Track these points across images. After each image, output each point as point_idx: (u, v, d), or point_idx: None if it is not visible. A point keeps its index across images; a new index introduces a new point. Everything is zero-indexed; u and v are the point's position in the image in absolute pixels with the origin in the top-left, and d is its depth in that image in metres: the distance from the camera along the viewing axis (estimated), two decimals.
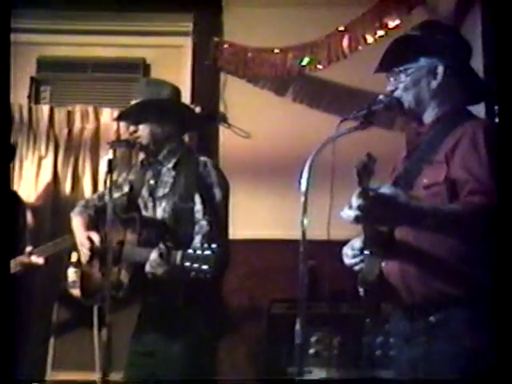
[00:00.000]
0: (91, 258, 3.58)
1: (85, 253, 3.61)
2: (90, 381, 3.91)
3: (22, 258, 3.91)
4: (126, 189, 3.81)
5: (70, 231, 3.82)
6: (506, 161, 2.29)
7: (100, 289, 3.53)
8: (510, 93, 2.27)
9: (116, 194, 3.79)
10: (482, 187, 2.49)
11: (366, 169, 2.32)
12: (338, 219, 3.81)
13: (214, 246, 3.15)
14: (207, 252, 3.13)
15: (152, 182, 3.69)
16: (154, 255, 3.28)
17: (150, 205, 3.66)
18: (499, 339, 2.19)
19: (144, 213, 3.65)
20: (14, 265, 3.93)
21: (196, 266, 3.13)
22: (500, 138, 2.24)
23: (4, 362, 2.82)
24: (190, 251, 3.17)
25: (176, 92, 3.78)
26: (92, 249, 3.57)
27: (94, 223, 3.73)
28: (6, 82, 3.32)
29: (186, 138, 4.86)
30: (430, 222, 2.48)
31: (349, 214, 2.41)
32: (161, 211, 3.61)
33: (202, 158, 3.73)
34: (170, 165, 3.70)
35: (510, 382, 2.12)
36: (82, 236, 3.67)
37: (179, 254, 3.19)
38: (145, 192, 3.71)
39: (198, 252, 3.14)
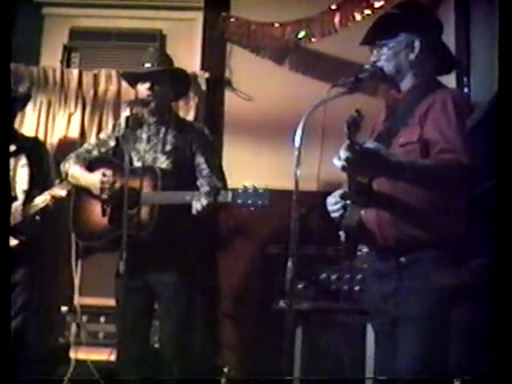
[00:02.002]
0: (109, 195, 3.56)
1: (103, 188, 3.58)
2: (110, 306, 3.92)
3: (50, 191, 3.89)
4: (111, 144, 3.80)
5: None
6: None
7: (102, 231, 3.57)
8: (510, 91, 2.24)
9: (103, 149, 3.79)
10: (451, 146, 2.50)
11: (355, 123, 2.32)
12: (327, 173, 3.83)
13: (261, 187, 3.23)
14: (260, 191, 3.21)
15: (153, 138, 3.69)
16: (203, 195, 3.29)
17: (150, 158, 3.65)
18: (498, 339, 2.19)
19: (140, 164, 3.64)
20: (43, 199, 3.92)
21: (250, 201, 3.20)
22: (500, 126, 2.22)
23: (4, 362, 2.77)
24: (240, 191, 3.23)
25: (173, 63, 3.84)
26: (109, 182, 3.55)
27: (91, 170, 3.70)
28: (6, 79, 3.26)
29: (194, 100, 4.91)
30: (407, 174, 2.50)
31: (337, 163, 2.41)
32: (165, 163, 3.61)
33: (197, 124, 3.80)
34: (171, 125, 3.71)
35: (509, 382, 2.11)
36: (91, 177, 3.63)
37: (230, 193, 3.23)
38: (141, 146, 3.69)
39: (250, 191, 3.21)
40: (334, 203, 2.76)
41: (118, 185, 3.53)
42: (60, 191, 3.85)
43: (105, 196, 3.56)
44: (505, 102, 2.20)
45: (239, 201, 3.23)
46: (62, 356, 4.24)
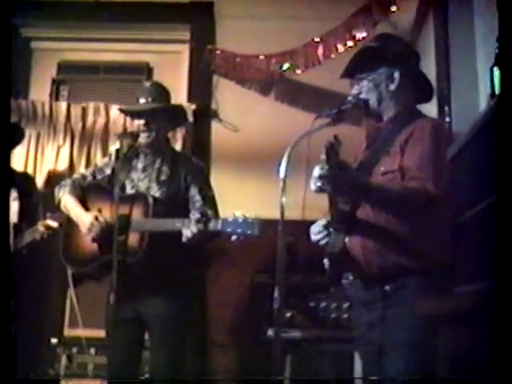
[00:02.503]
0: (97, 236, 3.55)
1: (91, 230, 3.55)
2: (100, 337, 3.90)
3: (42, 222, 3.88)
4: (107, 172, 3.81)
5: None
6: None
7: (91, 256, 3.55)
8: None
9: (99, 176, 3.80)
10: (420, 174, 2.54)
11: (333, 148, 2.36)
12: (312, 202, 3.83)
13: (251, 216, 3.23)
14: (249, 220, 3.21)
15: (148, 168, 3.69)
16: (193, 222, 3.29)
17: (143, 186, 3.66)
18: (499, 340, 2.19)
19: (133, 192, 3.65)
20: (32, 232, 3.91)
21: (239, 231, 3.20)
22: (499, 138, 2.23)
23: (4, 362, 2.76)
24: (230, 219, 3.23)
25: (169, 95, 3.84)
26: (98, 227, 3.54)
27: (83, 201, 3.68)
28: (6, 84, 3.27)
29: (181, 131, 4.93)
30: (375, 196, 2.53)
31: (312, 186, 2.44)
32: (158, 193, 3.61)
33: (193, 158, 3.84)
34: (167, 157, 3.72)
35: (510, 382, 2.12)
36: (83, 217, 3.60)
37: (220, 222, 3.24)
38: (136, 175, 3.70)
39: (240, 220, 3.21)
40: (317, 232, 2.78)
41: (108, 225, 3.51)
42: (52, 223, 3.84)
43: (91, 236, 3.55)
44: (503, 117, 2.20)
45: (229, 229, 3.23)
46: None
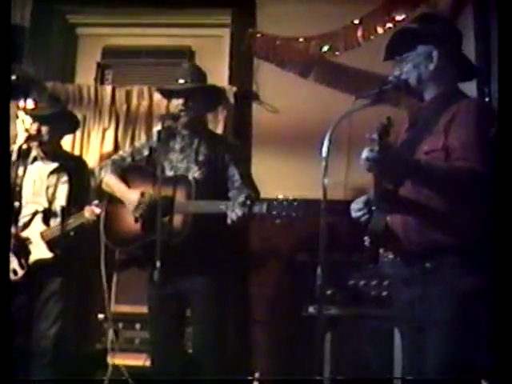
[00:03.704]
0: (144, 212, 3.58)
1: (138, 207, 3.59)
2: (145, 313, 3.94)
3: (87, 208, 3.92)
4: (145, 153, 3.82)
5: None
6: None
7: (134, 236, 3.58)
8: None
9: (137, 157, 3.82)
10: (467, 154, 2.51)
11: (385, 130, 2.34)
12: (354, 181, 3.83)
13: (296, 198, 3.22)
14: (295, 203, 3.20)
15: (186, 149, 3.71)
16: (238, 205, 3.29)
17: (182, 167, 3.67)
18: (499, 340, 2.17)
19: (172, 174, 3.66)
20: (79, 216, 3.96)
21: (284, 213, 3.20)
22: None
23: (4, 362, 2.75)
24: (275, 202, 3.22)
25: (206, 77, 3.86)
26: (146, 203, 3.57)
27: (125, 181, 3.73)
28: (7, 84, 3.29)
29: (223, 113, 4.94)
30: (424, 174, 2.50)
31: (364, 163, 2.43)
32: (197, 173, 3.62)
33: (230, 138, 3.83)
34: (205, 138, 3.73)
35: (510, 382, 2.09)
36: (129, 194, 3.65)
37: (265, 205, 3.24)
38: (174, 156, 3.71)
39: (285, 203, 3.20)
40: (357, 209, 2.76)
41: (154, 201, 3.53)
42: (97, 209, 3.88)
43: (136, 214, 3.58)
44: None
45: (274, 212, 3.23)
46: (99, 361, 4.27)
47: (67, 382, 4.05)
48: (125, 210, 3.64)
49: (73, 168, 4.17)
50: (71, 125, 4.38)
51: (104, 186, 3.80)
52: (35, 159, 4.16)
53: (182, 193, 3.50)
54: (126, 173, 3.75)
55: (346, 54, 4.92)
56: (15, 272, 3.99)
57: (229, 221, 3.33)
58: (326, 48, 4.97)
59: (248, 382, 4.26)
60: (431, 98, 2.77)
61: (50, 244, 3.99)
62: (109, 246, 3.74)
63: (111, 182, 3.75)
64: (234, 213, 3.30)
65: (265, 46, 5.16)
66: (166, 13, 5.39)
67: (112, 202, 3.74)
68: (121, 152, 3.95)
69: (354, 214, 2.77)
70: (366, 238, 2.68)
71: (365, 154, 2.42)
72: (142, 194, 3.58)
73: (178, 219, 3.46)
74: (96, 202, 3.92)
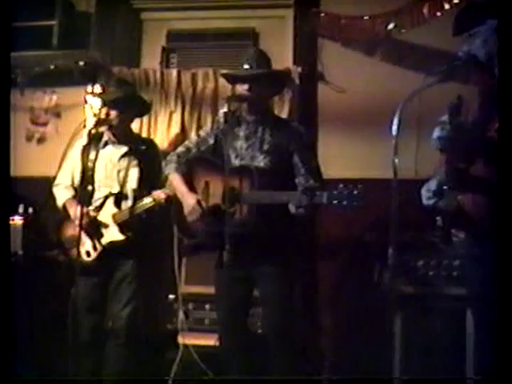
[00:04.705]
0: (197, 219, 3.62)
1: (192, 214, 3.62)
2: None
3: (158, 192, 3.98)
4: (210, 141, 3.84)
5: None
6: None
7: (202, 227, 3.62)
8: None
9: (202, 147, 3.84)
10: None
11: (457, 108, 2.31)
12: (424, 160, 3.75)
13: (356, 187, 3.17)
14: (355, 192, 3.16)
15: (251, 136, 3.71)
16: (299, 196, 3.30)
17: (248, 156, 3.68)
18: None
19: (238, 162, 3.68)
20: (151, 199, 4.02)
21: (345, 203, 3.18)
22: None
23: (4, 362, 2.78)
24: (335, 192, 3.20)
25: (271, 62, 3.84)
26: (199, 212, 3.61)
27: (189, 177, 3.75)
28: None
29: (288, 94, 4.93)
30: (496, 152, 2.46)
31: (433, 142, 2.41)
32: (263, 162, 3.63)
33: (295, 123, 3.84)
34: (269, 124, 3.72)
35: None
36: (190, 199, 3.66)
37: (325, 195, 3.23)
38: (239, 144, 3.73)
39: (345, 192, 3.17)
40: (427, 198, 2.74)
41: (207, 211, 3.57)
42: (166, 192, 3.94)
43: (190, 219, 3.62)
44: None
45: (334, 202, 3.21)
46: (170, 341, 4.35)
47: (68, 381, 4.13)
48: None
49: (143, 151, 4.22)
50: (141, 108, 4.41)
51: (168, 184, 3.87)
52: (106, 143, 4.24)
53: (246, 183, 3.52)
54: (191, 166, 3.79)
55: (412, 31, 4.84)
56: (88, 253, 4.09)
57: (291, 211, 3.36)
58: (391, 26, 4.89)
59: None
60: None
61: (122, 226, 4.08)
62: (180, 236, 3.81)
63: (174, 181, 3.79)
64: (295, 203, 3.32)
65: (329, 25, 5.12)
66: None
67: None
68: (186, 142, 3.96)
69: (427, 194, 2.75)
70: (437, 217, 2.66)
71: (436, 133, 2.40)
72: (199, 202, 3.61)
73: (244, 210, 3.49)
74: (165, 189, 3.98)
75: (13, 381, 3.02)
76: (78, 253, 3.76)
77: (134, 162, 4.18)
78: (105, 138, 4.22)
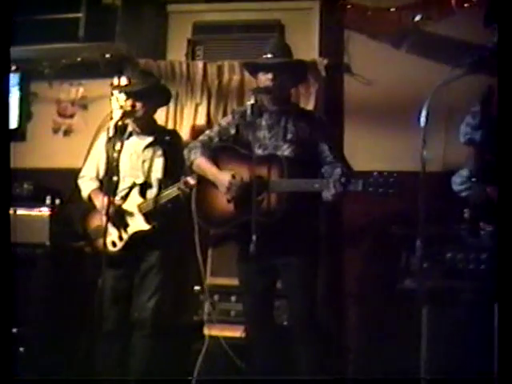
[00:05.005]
0: (236, 194, 3.61)
1: (230, 189, 3.62)
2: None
3: (182, 180, 3.98)
4: (232, 131, 3.84)
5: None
6: None
7: (228, 217, 3.63)
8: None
9: (224, 137, 3.84)
10: None
11: (486, 99, 2.30)
12: (452, 153, 3.72)
13: (392, 175, 3.16)
14: (391, 179, 3.14)
15: (274, 126, 3.71)
16: (333, 184, 3.29)
17: (271, 146, 3.67)
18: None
19: (261, 152, 3.67)
20: (176, 188, 4.04)
21: (381, 190, 3.16)
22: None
23: (4, 363, 2.79)
24: (371, 179, 3.18)
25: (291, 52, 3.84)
26: (237, 185, 3.60)
27: (215, 162, 3.76)
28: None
29: (315, 86, 4.91)
30: None
31: (461, 137, 2.38)
32: (287, 151, 3.63)
33: (316, 114, 3.82)
34: (291, 114, 3.72)
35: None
36: (220, 176, 3.68)
37: (360, 183, 3.21)
38: (261, 134, 3.72)
39: (381, 180, 3.15)
40: (459, 182, 2.72)
41: (245, 183, 3.55)
42: (191, 180, 3.94)
43: (229, 197, 3.62)
44: None
45: (370, 189, 3.19)
46: (196, 332, 4.36)
47: (68, 381, 4.15)
48: (217, 190, 3.68)
49: (167, 141, 4.25)
50: (163, 98, 4.46)
51: (195, 168, 3.84)
52: (131, 134, 4.27)
53: (274, 172, 3.52)
54: (214, 153, 3.79)
55: (439, 22, 4.79)
56: (114, 244, 4.12)
57: (324, 199, 3.34)
58: (418, 17, 4.85)
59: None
60: None
61: (147, 216, 4.10)
62: (202, 225, 3.80)
63: (202, 164, 3.79)
64: (328, 191, 3.30)
65: (355, 17, 5.09)
66: None
67: (204, 182, 3.78)
68: (208, 131, 3.97)
69: (456, 188, 2.73)
70: (465, 210, 2.64)
71: (465, 124, 2.38)
72: (233, 176, 3.61)
73: (272, 198, 3.48)
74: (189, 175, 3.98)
75: (13, 381, 3.02)
76: (104, 243, 3.78)
77: (159, 152, 4.22)
78: (129, 129, 4.26)
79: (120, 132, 4.17)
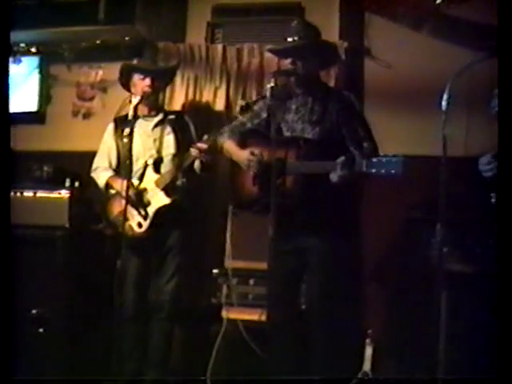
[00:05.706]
0: (257, 169, 3.62)
1: (250, 165, 3.65)
2: (258, 269, 4.01)
3: (193, 147, 4.06)
4: (264, 115, 3.83)
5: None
6: None
7: (254, 198, 3.65)
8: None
9: (256, 121, 3.84)
10: None
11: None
12: (474, 137, 3.66)
13: (396, 156, 3.13)
14: (394, 159, 3.12)
15: (301, 108, 3.69)
16: (338, 165, 3.28)
17: (298, 128, 3.66)
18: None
19: (290, 134, 3.66)
20: (187, 157, 4.11)
21: (383, 171, 3.14)
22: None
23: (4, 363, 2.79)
24: (374, 160, 3.17)
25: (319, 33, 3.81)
26: (255, 161, 3.61)
27: (243, 146, 3.79)
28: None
29: (334, 69, 4.88)
30: None
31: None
32: (312, 133, 3.61)
33: (345, 92, 3.79)
34: (318, 95, 3.70)
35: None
36: (241, 154, 3.73)
37: (364, 163, 3.20)
38: (290, 117, 3.70)
39: (384, 160, 3.13)
40: (486, 163, 2.70)
41: (264, 159, 3.57)
42: (202, 145, 4.00)
43: (251, 172, 3.64)
44: None
45: (373, 170, 3.18)
46: (214, 315, 4.37)
47: (70, 381, 4.17)
48: (245, 174, 3.72)
49: (175, 120, 4.39)
50: (171, 76, 4.71)
51: (224, 152, 3.94)
52: (138, 116, 4.27)
53: (293, 154, 3.52)
54: (244, 137, 3.83)
55: (461, 5, 4.73)
56: (140, 224, 4.14)
57: (332, 180, 3.34)
58: (439, 0, 4.80)
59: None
60: None
61: (167, 190, 4.15)
62: (230, 208, 3.85)
63: (228, 147, 3.88)
64: (335, 173, 3.30)
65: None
66: None
67: (233, 166, 3.84)
68: (240, 117, 3.97)
69: (483, 168, 2.71)
70: (492, 194, 2.62)
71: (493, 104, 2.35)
72: (252, 153, 3.62)
73: (290, 180, 3.49)
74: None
75: (13, 381, 3.04)
76: (127, 225, 3.81)
77: (168, 129, 4.34)
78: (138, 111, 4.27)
79: (125, 117, 4.17)
